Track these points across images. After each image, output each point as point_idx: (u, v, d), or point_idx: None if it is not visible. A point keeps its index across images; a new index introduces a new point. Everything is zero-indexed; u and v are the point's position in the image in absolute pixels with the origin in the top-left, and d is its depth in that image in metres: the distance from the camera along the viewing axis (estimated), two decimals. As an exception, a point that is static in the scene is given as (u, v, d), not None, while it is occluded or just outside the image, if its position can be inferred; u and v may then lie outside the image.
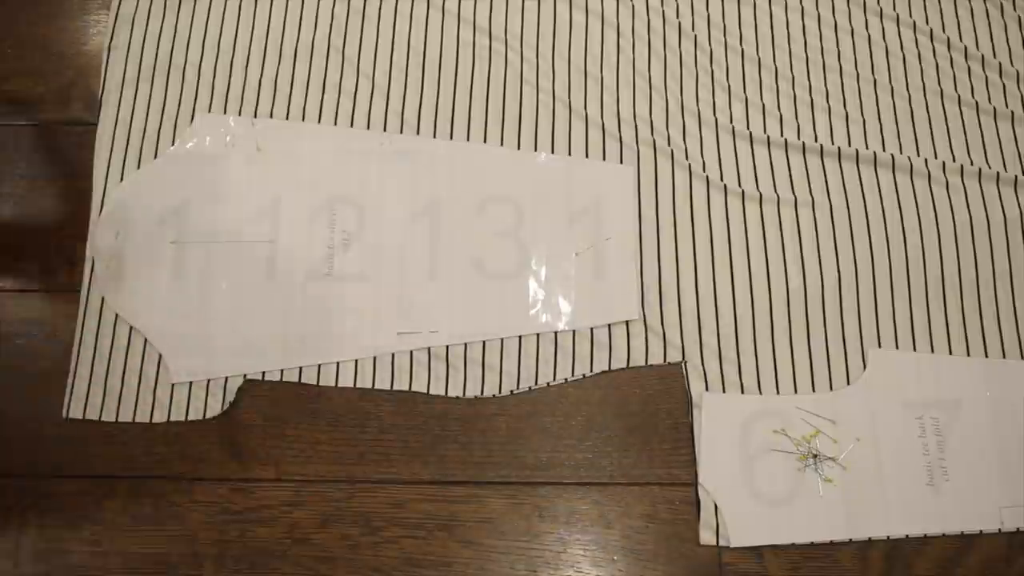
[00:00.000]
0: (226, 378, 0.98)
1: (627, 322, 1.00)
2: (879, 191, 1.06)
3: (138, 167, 1.06)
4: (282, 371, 0.98)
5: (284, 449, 0.95)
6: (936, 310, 1.01)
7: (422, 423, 0.96)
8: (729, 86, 1.11)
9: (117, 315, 1.00)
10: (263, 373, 0.98)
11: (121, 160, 1.06)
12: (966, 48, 1.14)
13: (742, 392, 0.98)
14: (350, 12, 1.14)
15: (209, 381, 0.98)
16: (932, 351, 1.00)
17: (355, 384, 0.98)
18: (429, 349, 0.99)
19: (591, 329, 1.00)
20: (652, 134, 1.08)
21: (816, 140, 1.08)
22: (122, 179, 1.06)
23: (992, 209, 1.06)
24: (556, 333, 1.00)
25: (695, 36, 1.14)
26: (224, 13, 1.14)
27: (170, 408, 0.97)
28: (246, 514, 0.93)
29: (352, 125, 1.09)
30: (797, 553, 0.92)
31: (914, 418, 0.97)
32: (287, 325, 1.00)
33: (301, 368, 0.98)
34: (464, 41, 1.13)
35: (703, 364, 0.99)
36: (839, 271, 1.03)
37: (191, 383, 0.98)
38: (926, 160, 1.07)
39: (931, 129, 1.10)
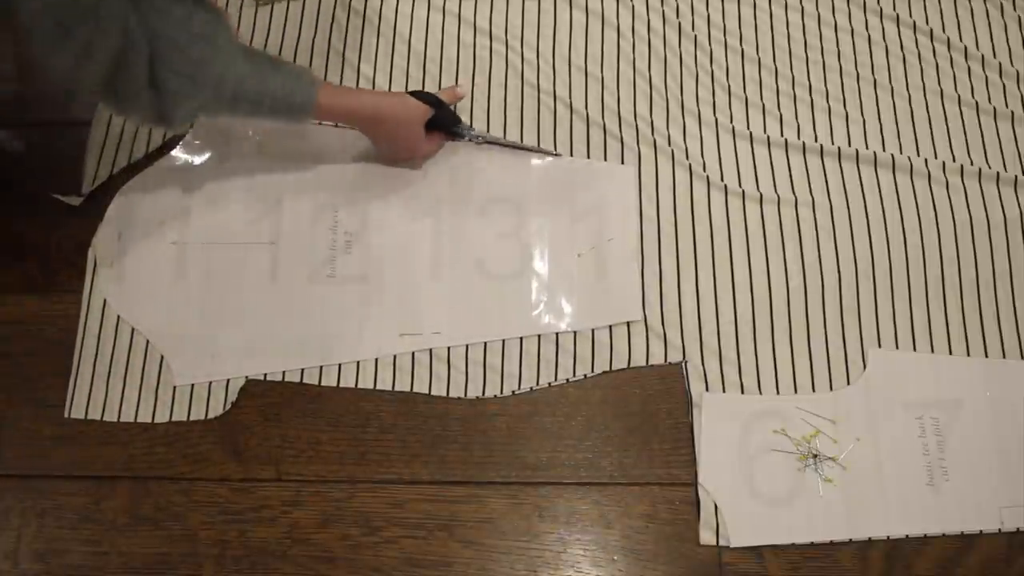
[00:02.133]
0: (228, 379, 0.98)
1: (628, 322, 1.00)
2: (879, 191, 1.06)
3: (128, 162, 1.06)
4: (284, 372, 0.98)
5: (284, 449, 0.95)
6: (936, 310, 1.01)
7: (422, 423, 0.96)
8: (729, 86, 1.11)
9: (119, 316, 1.00)
10: (264, 374, 0.98)
11: (111, 158, 1.07)
12: (966, 48, 1.14)
13: (742, 392, 0.98)
14: (350, 14, 1.15)
15: (211, 382, 0.98)
16: (932, 351, 1.00)
17: (356, 385, 0.98)
18: (430, 350, 0.99)
19: (592, 329, 1.00)
20: (653, 134, 1.08)
21: (816, 140, 1.08)
22: (111, 176, 1.06)
23: (992, 209, 1.06)
24: (557, 334, 1.00)
25: (695, 36, 1.14)
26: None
27: (172, 408, 0.97)
28: (246, 514, 0.93)
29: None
30: (797, 553, 0.92)
31: (914, 418, 0.97)
32: (289, 327, 1.00)
33: (303, 369, 0.98)
34: (464, 42, 1.14)
35: (703, 364, 0.98)
36: (839, 271, 1.03)
37: (193, 385, 0.98)
38: (926, 160, 1.07)
39: (931, 129, 1.10)
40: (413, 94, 0.99)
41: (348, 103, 0.95)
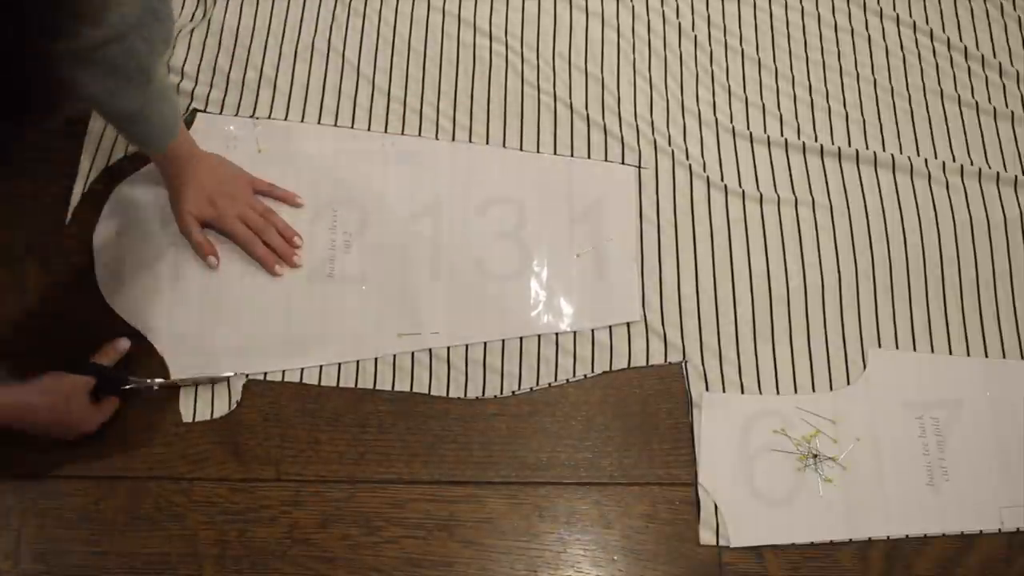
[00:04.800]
0: (229, 379, 0.98)
1: (628, 322, 1.00)
2: (879, 191, 1.06)
3: (124, 154, 1.06)
4: (284, 372, 0.98)
5: (284, 449, 0.95)
6: (936, 310, 1.01)
7: (422, 423, 0.96)
8: (729, 86, 1.12)
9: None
10: (264, 374, 0.98)
11: (107, 154, 1.06)
12: (966, 48, 1.14)
13: (742, 392, 0.98)
14: (350, 14, 1.15)
15: (214, 382, 0.98)
16: (932, 351, 1.00)
17: (356, 385, 0.98)
18: (430, 350, 0.99)
19: (592, 330, 1.00)
20: (653, 134, 1.08)
21: (816, 140, 1.09)
22: (107, 168, 1.06)
23: (992, 209, 1.06)
24: (557, 334, 1.00)
25: (695, 36, 1.14)
26: (225, 14, 1.14)
27: (179, 408, 0.97)
28: (246, 514, 0.93)
29: (353, 126, 1.09)
30: (797, 553, 0.92)
31: (914, 418, 0.97)
32: (289, 326, 1.00)
33: (303, 369, 0.98)
34: (464, 43, 1.14)
35: (703, 364, 0.98)
36: (839, 271, 1.03)
37: (197, 384, 0.97)
38: (926, 160, 1.07)
39: (931, 129, 1.10)
40: (69, 366, 0.90)
41: None
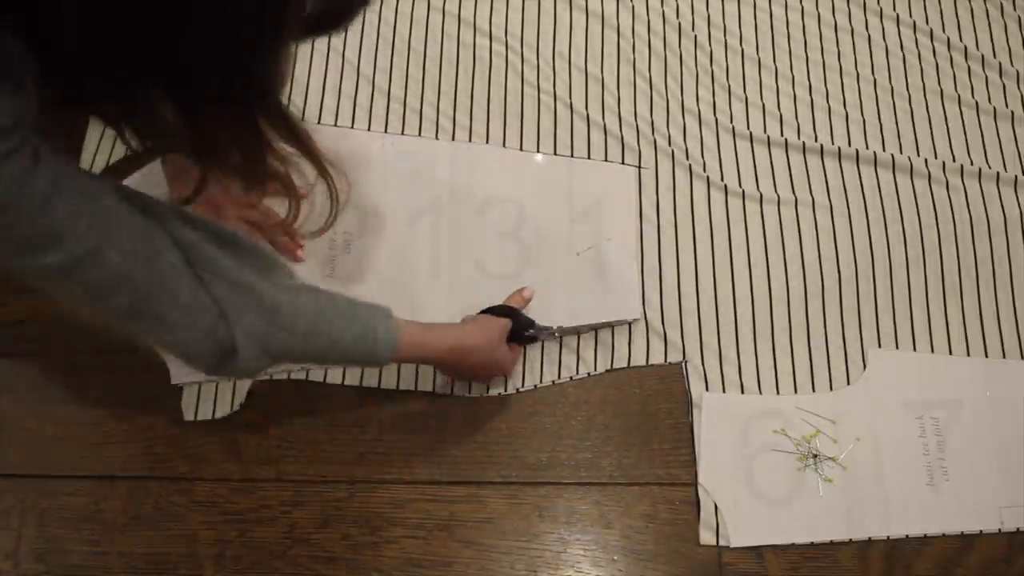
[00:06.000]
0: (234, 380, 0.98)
1: (628, 322, 1.00)
2: (879, 191, 1.07)
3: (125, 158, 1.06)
4: (288, 372, 0.98)
5: (284, 449, 0.95)
6: (936, 310, 1.01)
7: (422, 423, 0.96)
8: (729, 86, 1.12)
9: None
10: (271, 374, 0.98)
11: (107, 154, 1.06)
12: (966, 48, 1.14)
13: (742, 392, 0.98)
14: (350, 13, 1.14)
15: (217, 383, 0.97)
16: (932, 351, 1.00)
17: (361, 384, 0.97)
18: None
19: (593, 329, 1.00)
20: (653, 134, 1.08)
21: (816, 140, 1.09)
22: (107, 168, 1.05)
23: (992, 209, 1.06)
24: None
25: (695, 36, 1.14)
26: (225, 14, 1.14)
27: (179, 408, 0.97)
28: (246, 514, 0.93)
29: (353, 126, 1.09)
30: (797, 553, 0.92)
31: (914, 418, 0.97)
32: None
33: (307, 369, 0.98)
34: (464, 43, 1.14)
35: (703, 364, 0.98)
36: (839, 271, 1.03)
37: (200, 384, 0.97)
38: (926, 160, 1.08)
39: (931, 129, 1.10)
40: (487, 311, 0.95)
41: (431, 343, 0.86)
